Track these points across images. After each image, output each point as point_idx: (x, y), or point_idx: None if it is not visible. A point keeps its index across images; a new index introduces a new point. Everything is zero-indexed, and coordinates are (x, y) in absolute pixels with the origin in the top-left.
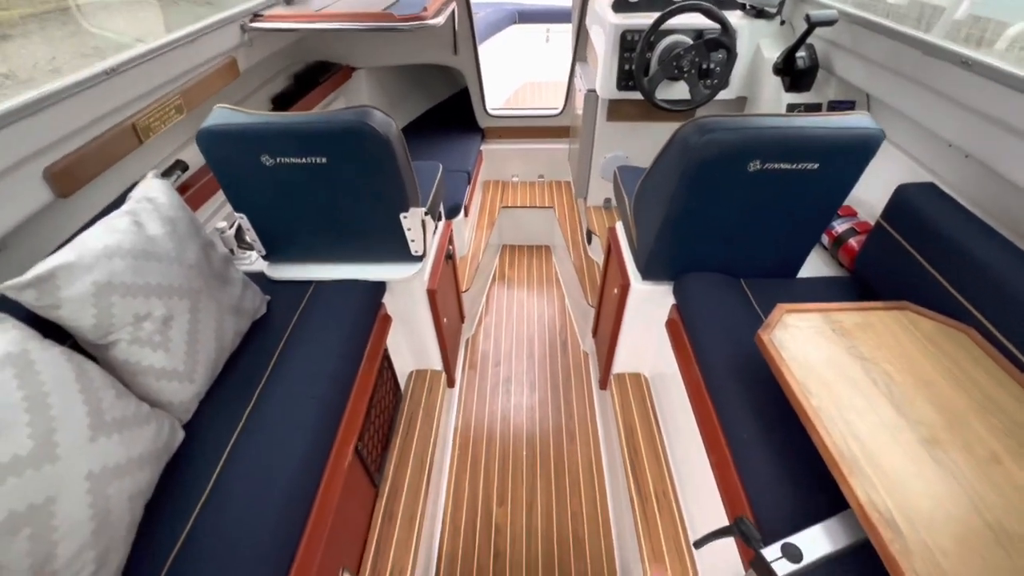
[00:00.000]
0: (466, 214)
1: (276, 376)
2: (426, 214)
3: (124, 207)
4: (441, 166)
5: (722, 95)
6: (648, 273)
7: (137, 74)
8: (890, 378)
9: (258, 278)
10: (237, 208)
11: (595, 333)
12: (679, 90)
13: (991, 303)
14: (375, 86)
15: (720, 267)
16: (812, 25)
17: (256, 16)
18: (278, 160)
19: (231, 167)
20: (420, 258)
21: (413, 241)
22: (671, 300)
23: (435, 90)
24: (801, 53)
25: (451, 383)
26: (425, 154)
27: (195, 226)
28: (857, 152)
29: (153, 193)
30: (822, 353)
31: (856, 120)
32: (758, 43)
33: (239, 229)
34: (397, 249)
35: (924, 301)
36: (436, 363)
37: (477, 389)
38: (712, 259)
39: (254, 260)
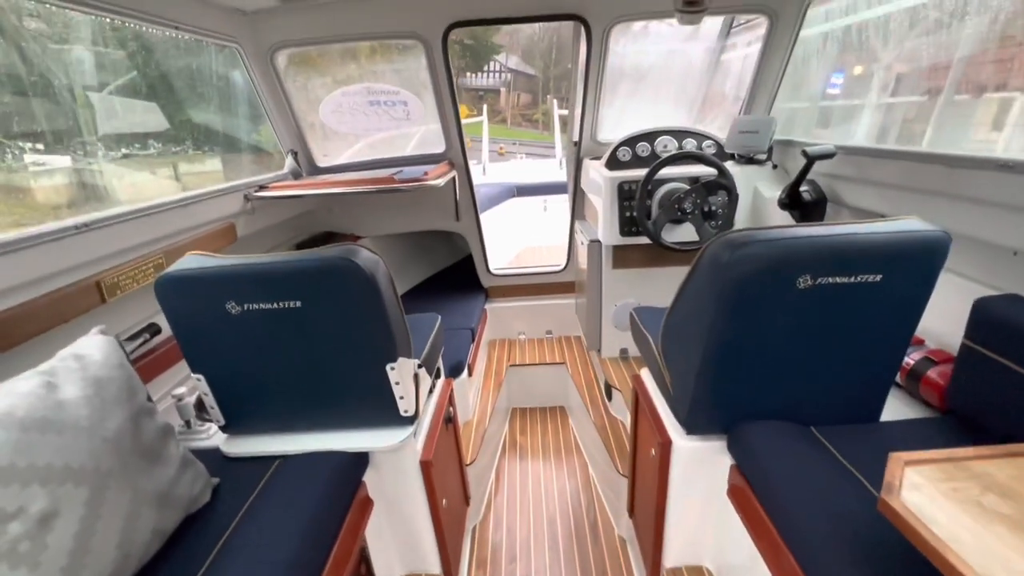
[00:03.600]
0: (470, 373)
1: None
2: (420, 366)
3: (42, 365)
4: (440, 317)
5: None
6: (693, 426)
7: (115, 231)
8: None
9: (211, 455)
10: (195, 368)
11: (631, 512)
12: (683, 233)
13: None
14: (380, 254)
15: (781, 413)
16: (811, 159)
17: (262, 187)
18: (245, 307)
19: (192, 318)
20: (411, 420)
21: (402, 398)
22: (728, 459)
23: (438, 257)
24: (804, 187)
25: None
26: (424, 311)
27: (130, 390)
28: (924, 258)
29: (85, 350)
30: (981, 519)
31: (912, 224)
32: (755, 186)
33: (201, 397)
34: (383, 410)
35: None
36: (432, 565)
37: None
38: (770, 403)
39: (212, 433)
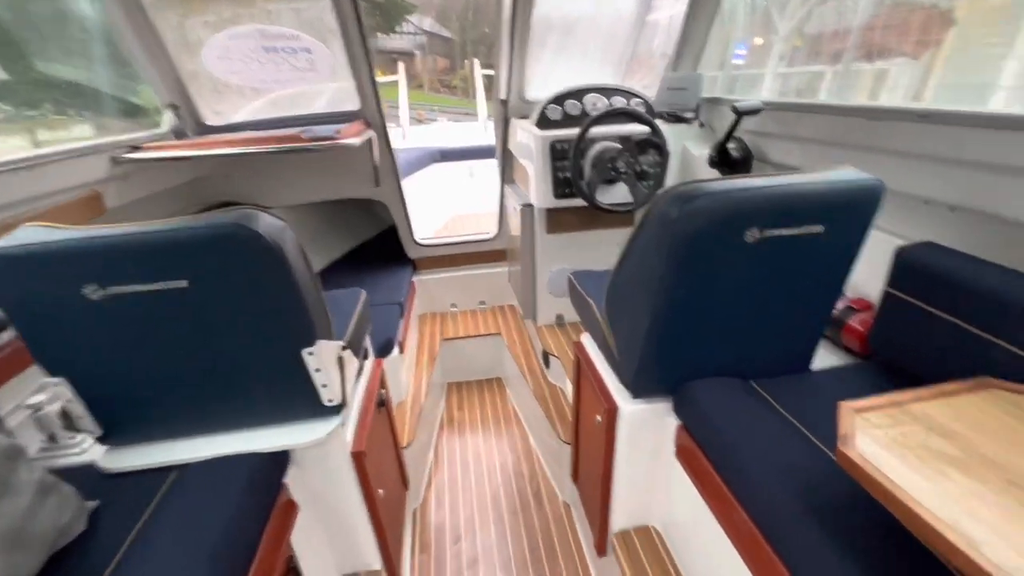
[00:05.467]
0: (401, 351)
1: None
2: (345, 348)
3: None
4: (364, 292)
5: None
6: (639, 389)
7: None
8: None
9: (87, 474)
10: (52, 370)
11: (575, 478)
12: (617, 193)
13: None
14: (291, 226)
15: (722, 369)
16: (740, 115)
17: (135, 148)
18: (110, 290)
19: (37, 308)
20: (338, 409)
21: (325, 386)
22: (674, 421)
23: (358, 229)
24: (732, 144)
25: None
26: (347, 287)
27: None
28: (861, 207)
29: None
30: (932, 462)
31: (849, 174)
32: (684, 144)
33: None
34: (303, 401)
35: (969, 366)
36: (372, 559)
37: None
38: (712, 360)
39: (88, 447)
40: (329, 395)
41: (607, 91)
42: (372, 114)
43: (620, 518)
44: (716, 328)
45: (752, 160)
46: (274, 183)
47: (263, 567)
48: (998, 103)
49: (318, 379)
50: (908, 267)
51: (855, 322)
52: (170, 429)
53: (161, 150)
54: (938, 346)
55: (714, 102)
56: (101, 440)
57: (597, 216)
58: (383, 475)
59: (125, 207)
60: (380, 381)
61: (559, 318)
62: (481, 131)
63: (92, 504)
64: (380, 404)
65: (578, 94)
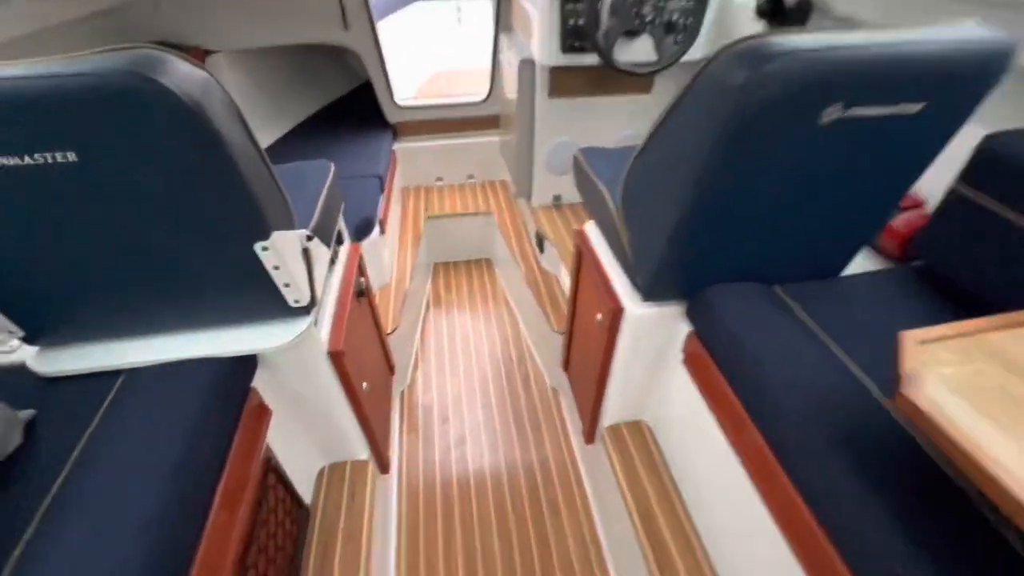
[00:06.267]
0: (382, 230)
1: (38, 552)
2: (310, 238)
3: None
4: (332, 165)
5: (689, 55)
6: (652, 292)
7: None
8: None
9: (17, 378)
10: None
11: (566, 367)
12: (637, 50)
13: None
14: (242, 78)
15: (745, 271)
16: None
17: None
18: None
19: None
20: (308, 309)
21: (287, 286)
22: (686, 326)
23: (328, 84)
24: None
25: (384, 468)
26: (314, 157)
27: None
28: (979, 79)
29: None
30: (1013, 413)
31: (971, 31)
32: None
33: None
34: (267, 299)
35: None
36: (359, 450)
37: (422, 462)
38: (739, 264)
39: (16, 347)
40: (295, 295)
41: None
42: None
43: (612, 412)
44: (752, 227)
45: (811, 11)
46: (219, 19)
47: (235, 477)
48: None
49: (278, 278)
50: (995, 160)
51: (900, 223)
52: (111, 330)
53: None
54: (999, 260)
55: None
56: (28, 341)
57: (609, 78)
58: (366, 368)
59: (8, 45)
60: (359, 268)
61: (556, 199)
62: None
63: (27, 414)
64: (359, 294)
65: None
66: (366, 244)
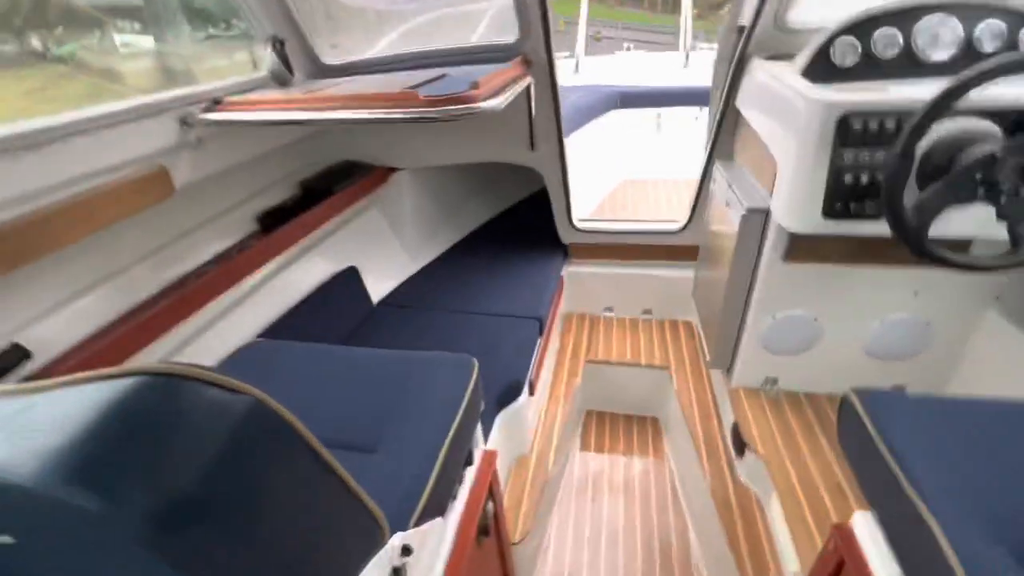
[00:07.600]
0: (531, 392)
1: None
2: (407, 551)
3: None
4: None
5: None
6: None
7: None
8: None
9: None
10: None
11: None
12: (959, 221)
13: None
14: (421, 191)
15: None
16: None
17: (217, 102)
18: None
19: None
20: None
21: None
22: None
23: (504, 193)
24: None
25: None
26: (469, 300)
27: None
28: None
29: None
30: None
31: None
32: None
33: None
34: None
35: None
36: None
37: None
38: None
39: None
40: None
41: (974, 9)
42: (536, 48)
43: None
44: None
45: None
46: (405, 141)
47: None
48: None
49: None
50: None
51: None
52: None
53: (246, 109)
54: None
55: None
56: None
57: (868, 244)
58: None
59: (200, 183)
60: (488, 488)
61: (771, 383)
62: (679, 65)
63: None
64: (483, 532)
65: (902, 18)
66: (507, 414)
